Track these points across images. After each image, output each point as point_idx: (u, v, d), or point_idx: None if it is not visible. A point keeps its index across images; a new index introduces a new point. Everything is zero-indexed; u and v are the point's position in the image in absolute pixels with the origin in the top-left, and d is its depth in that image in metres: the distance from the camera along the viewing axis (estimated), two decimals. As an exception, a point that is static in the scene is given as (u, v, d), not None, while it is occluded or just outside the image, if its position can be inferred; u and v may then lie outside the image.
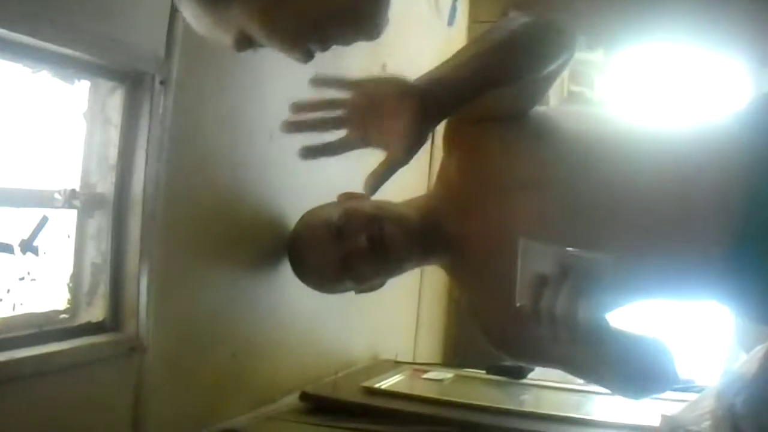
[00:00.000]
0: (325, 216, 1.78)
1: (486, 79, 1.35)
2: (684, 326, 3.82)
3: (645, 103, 4.06)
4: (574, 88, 3.82)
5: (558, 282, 1.32)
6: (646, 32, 1.04)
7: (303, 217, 1.88)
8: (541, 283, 1.33)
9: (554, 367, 1.71)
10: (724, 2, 0.91)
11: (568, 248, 1.33)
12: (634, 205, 1.49)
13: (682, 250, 1.47)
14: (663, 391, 1.68)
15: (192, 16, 1.16)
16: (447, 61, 1.35)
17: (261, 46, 1.19)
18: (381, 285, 1.85)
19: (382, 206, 1.76)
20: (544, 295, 1.32)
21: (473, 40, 1.46)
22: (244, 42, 1.17)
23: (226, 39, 1.17)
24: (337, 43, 1.20)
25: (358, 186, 1.93)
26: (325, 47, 1.20)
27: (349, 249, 1.70)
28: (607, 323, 1.42)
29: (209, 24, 1.15)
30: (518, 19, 1.47)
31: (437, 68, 1.32)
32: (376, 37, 1.22)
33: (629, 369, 1.54)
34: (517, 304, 1.36)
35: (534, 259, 1.34)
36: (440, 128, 1.54)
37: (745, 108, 1.53)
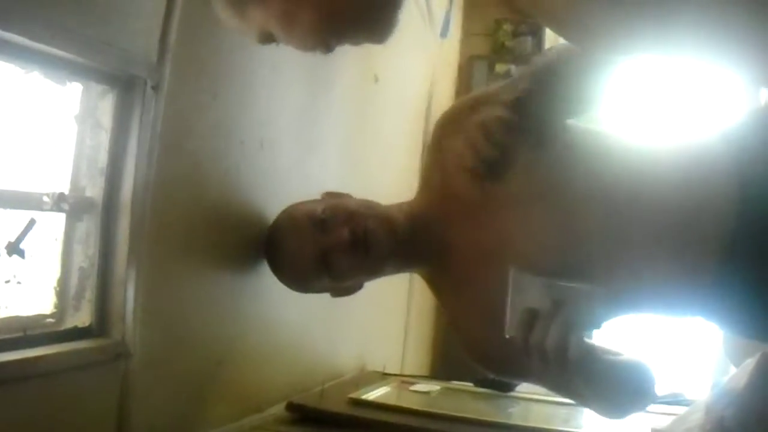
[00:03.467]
0: (308, 208, 1.77)
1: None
2: (673, 340, 3.83)
3: (641, 116, 4.08)
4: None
5: (549, 316, 1.32)
6: (646, 44, 1.06)
7: (285, 209, 1.85)
8: (532, 316, 1.33)
9: (534, 384, 1.70)
10: (729, 20, 0.93)
11: (559, 281, 1.33)
12: (626, 221, 1.50)
13: (673, 267, 1.48)
14: (641, 410, 1.68)
15: (220, 13, 1.26)
16: None
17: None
18: (358, 288, 1.82)
19: (367, 204, 1.75)
20: (535, 328, 1.32)
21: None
22: (267, 38, 1.25)
23: (251, 35, 1.26)
24: (349, 44, 1.27)
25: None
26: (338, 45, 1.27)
27: (330, 242, 1.68)
28: (595, 350, 1.42)
29: (235, 22, 1.25)
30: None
31: None
32: (384, 42, 1.26)
33: (611, 393, 1.54)
34: (507, 335, 1.36)
35: (525, 291, 1.34)
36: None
37: (737, 125, 1.53)
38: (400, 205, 1.77)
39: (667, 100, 4.19)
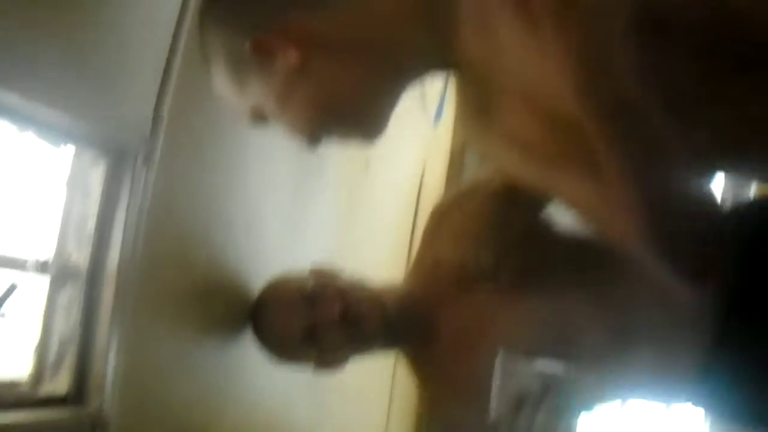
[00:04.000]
0: (297, 281, 1.77)
1: None
2: (661, 425, 3.80)
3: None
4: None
5: (537, 401, 1.31)
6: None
7: (272, 280, 1.85)
8: (520, 401, 1.32)
9: None
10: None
11: (547, 365, 1.33)
12: (617, 311, 1.51)
13: (662, 353, 1.48)
14: None
15: (219, 81, 1.27)
16: None
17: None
18: (342, 365, 1.82)
19: (357, 282, 1.76)
20: (522, 412, 1.32)
21: None
22: (260, 115, 1.26)
23: (244, 109, 1.27)
24: (338, 138, 1.28)
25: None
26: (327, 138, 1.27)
27: (318, 319, 1.68)
28: None
29: (233, 92, 1.26)
30: None
31: None
32: (372, 143, 1.28)
33: None
34: (492, 420, 1.35)
35: (512, 374, 1.34)
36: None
37: (728, 215, 1.56)
38: (390, 286, 1.78)
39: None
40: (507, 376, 1.33)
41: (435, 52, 1.19)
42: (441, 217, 1.72)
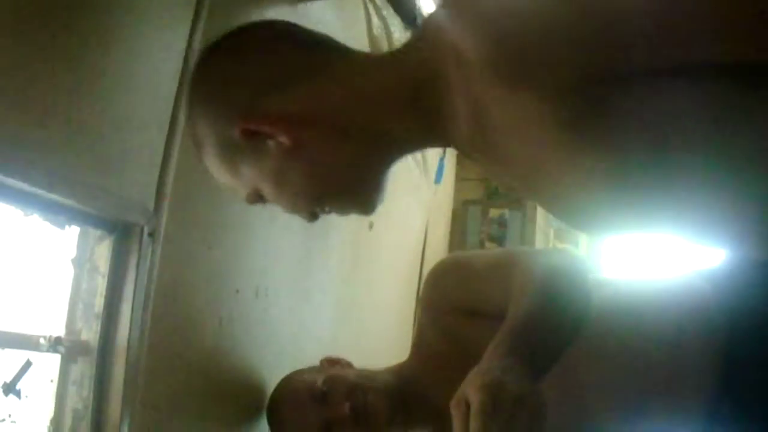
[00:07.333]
0: (308, 380, 1.80)
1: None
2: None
3: (628, 258, 4.11)
4: (559, 246, 3.89)
5: None
6: (629, 226, 1.09)
7: (284, 379, 1.89)
8: None
9: None
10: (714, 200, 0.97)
11: None
12: (617, 366, 1.53)
13: (664, 408, 1.50)
14: None
15: (213, 170, 1.25)
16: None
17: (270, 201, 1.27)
18: None
19: (365, 375, 1.78)
20: None
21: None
22: (257, 197, 1.25)
23: (240, 192, 1.26)
24: (336, 213, 1.28)
25: (343, 349, 1.96)
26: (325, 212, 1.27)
27: (331, 416, 1.72)
28: None
29: (227, 178, 1.24)
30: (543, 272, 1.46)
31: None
32: (369, 215, 1.29)
33: None
34: None
35: None
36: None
37: (720, 267, 1.57)
38: (396, 369, 1.80)
39: (650, 243, 4.24)
40: None
41: (426, 137, 1.20)
42: (435, 284, 1.75)
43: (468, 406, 1.11)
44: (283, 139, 1.15)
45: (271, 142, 1.17)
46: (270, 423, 1.89)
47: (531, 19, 0.92)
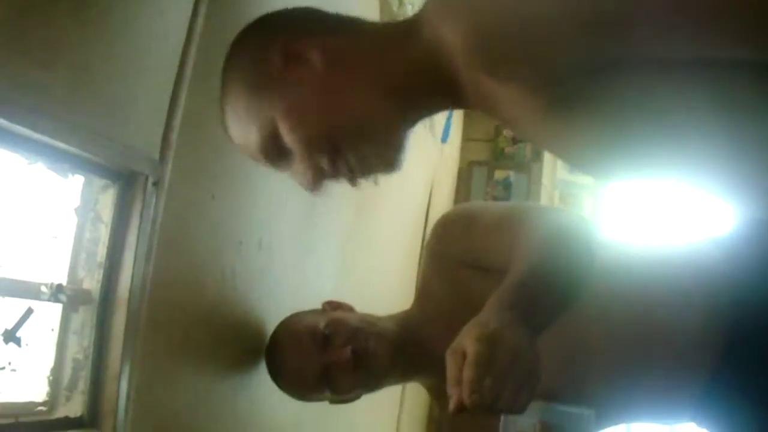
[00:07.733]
0: (309, 322, 1.79)
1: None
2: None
3: (634, 223, 4.11)
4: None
5: None
6: (638, 170, 1.09)
7: (285, 320, 1.88)
8: None
9: None
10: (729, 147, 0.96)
11: (551, 404, 1.34)
12: (622, 330, 1.52)
13: (667, 375, 1.49)
14: None
15: (232, 108, 1.29)
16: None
17: (282, 156, 1.27)
18: (357, 397, 1.84)
19: (368, 320, 1.77)
20: None
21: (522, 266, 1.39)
22: (269, 143, 1.26)
23: (255, 137, 1.26)
24: (354, 166, 1.27)
25: (344, 297, 1.95)
26: (337, 166, 1.26)
27: (332, 359, 1.71)
28: None
29: (244, 118, 1.26)
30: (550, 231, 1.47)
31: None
32: (395, 170, 1.31)
33: None
34: None
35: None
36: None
37: (729, 234, 1.56)
38: (399, 317, 1.80)
39: (657, 207, 4.23)
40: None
41: (443, 102, 1.27)
42: (441, 235, 1.74)
43: (464, 355, 1.11)
44: (320, 66, 1.19)
45: (304, 70, 1.20)
46: (268, 364, 1.88)
47: (512, 18, 0.97)
